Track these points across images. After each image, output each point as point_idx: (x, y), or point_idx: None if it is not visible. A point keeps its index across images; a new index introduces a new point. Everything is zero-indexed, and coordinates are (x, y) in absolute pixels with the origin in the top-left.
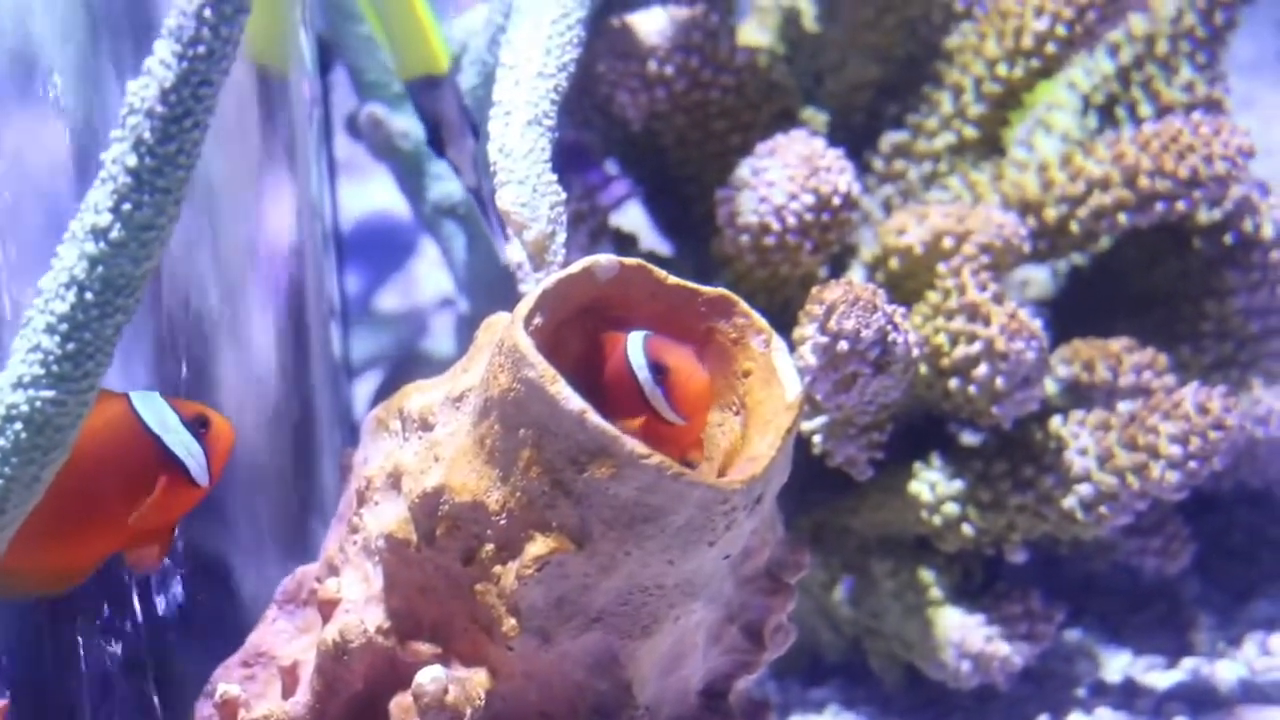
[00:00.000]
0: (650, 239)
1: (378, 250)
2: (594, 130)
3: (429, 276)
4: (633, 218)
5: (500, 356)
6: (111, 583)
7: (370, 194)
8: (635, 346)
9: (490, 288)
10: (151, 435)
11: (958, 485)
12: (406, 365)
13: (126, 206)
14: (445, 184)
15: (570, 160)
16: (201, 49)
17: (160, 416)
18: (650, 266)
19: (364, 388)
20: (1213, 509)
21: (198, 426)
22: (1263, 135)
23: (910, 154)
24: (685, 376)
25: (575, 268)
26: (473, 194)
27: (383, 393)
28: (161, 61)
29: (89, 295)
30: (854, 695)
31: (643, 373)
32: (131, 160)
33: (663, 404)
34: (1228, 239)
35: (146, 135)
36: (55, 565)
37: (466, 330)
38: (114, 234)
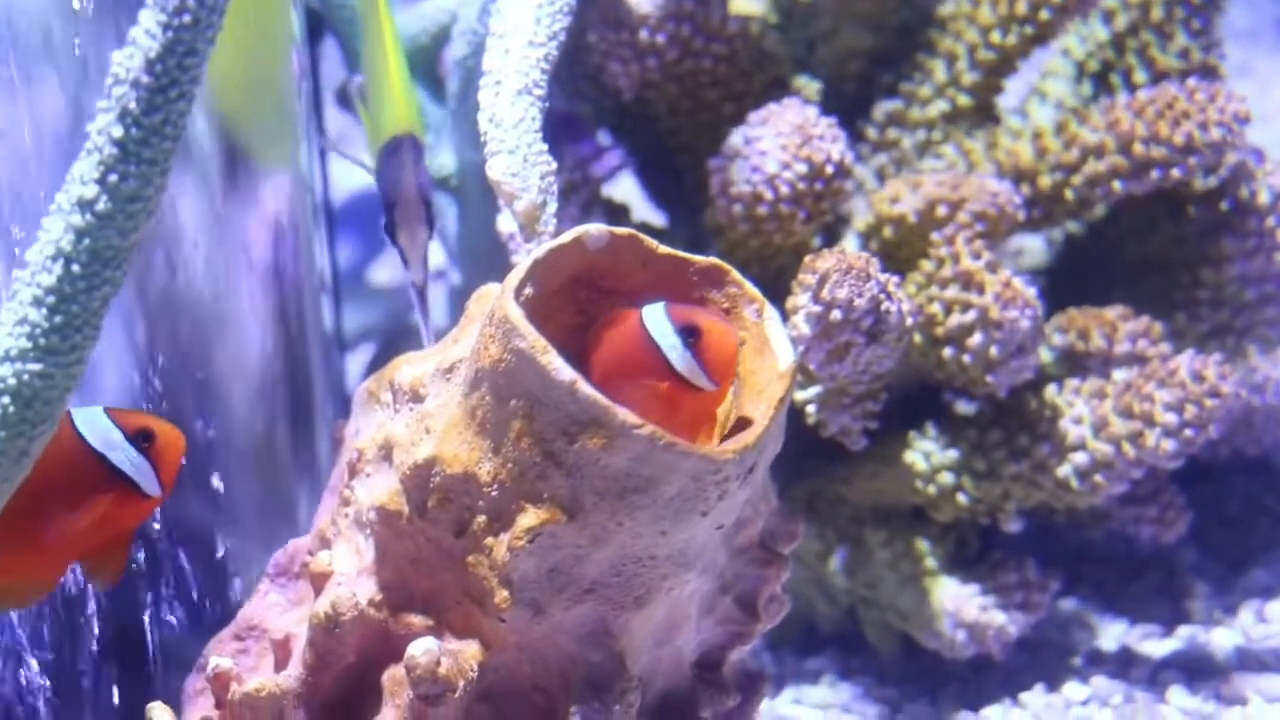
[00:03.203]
0: (643, 209)
1: (370, 224)
2: (585, 100)
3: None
4: (625, 188)
5: (491, 327)
6: None
7: (359, 172)
8: (656, 315)
9: (482, 259)
10: (96, 454)
11: (952, 454)
12: (399, 338)
13: (113, 178)
14: (436, 157)
15: (562, 131)
16: (187, 18)
17: (103, 434)
18: (641, 236)
19: (357, 360)
20: (1209, 477)
21: (142, 441)
22: (1260, 102)
23: (904, 122)
24: (719, 337)
25: (566, 238)
26: (416, 292)
27: (375, 365)
28: (146, 31)
29: (76, 268)
30: (849, 665)
31: (668, 339)
32: (117, 131)
33: (695, 368)
34: (1223, 206)
35: (132, 106)
36: (12, 583)
37: (458, 302)
38: (100, 206)
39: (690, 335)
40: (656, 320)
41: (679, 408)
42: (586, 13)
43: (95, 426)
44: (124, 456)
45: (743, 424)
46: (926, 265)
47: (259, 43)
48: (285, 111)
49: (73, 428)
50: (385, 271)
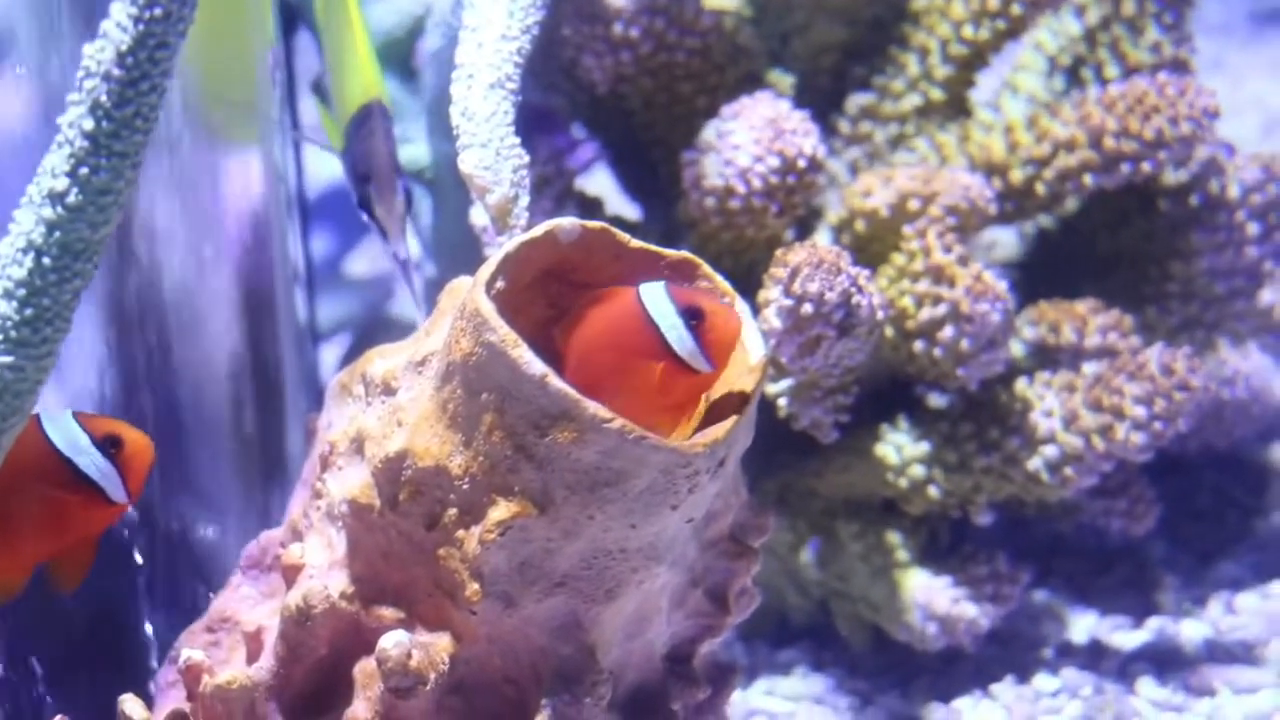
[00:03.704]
0: (617, 202)
1: (346, 215)
2: (560, 94)
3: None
4: (599, 181)
5: (462, 321)
6: None
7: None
8: (656, 295)
9: (456, 252)
10: (63, 457)
11: (924, 447)
12: (374, 329)
13: (84, 171)
14: (411, 148)
15: (537, 124)
16: (158, 11)
17: (70, 437)
18: (613, 229)
19: (332, 352)
20: (1179, 470)
21: (109, 446)
22: (1232, 96)
23: (877, 116)
24: (722, 320)
25: (537, 231)
26: (400, 264)
27: (350, 357)
28: (118, 24)
29: (46, 260)
30: (821, 657)
31: (669, 319)
32: (88, 124)
33: (695, 351)
34: (1193, 200)
35: (103, 99)
36: None
37: (433, 294)
38: (71, 198)
39: (693, 317)
40: (656, 299)
41: (670, 389)
42: (561, 6)
43: (63, 430)
44: (90, 462)
45: (713, 417)
46: (898, 259)
47: (230, 29)
48: (258, 99)
49: (40, 431)
50: (362, 263)
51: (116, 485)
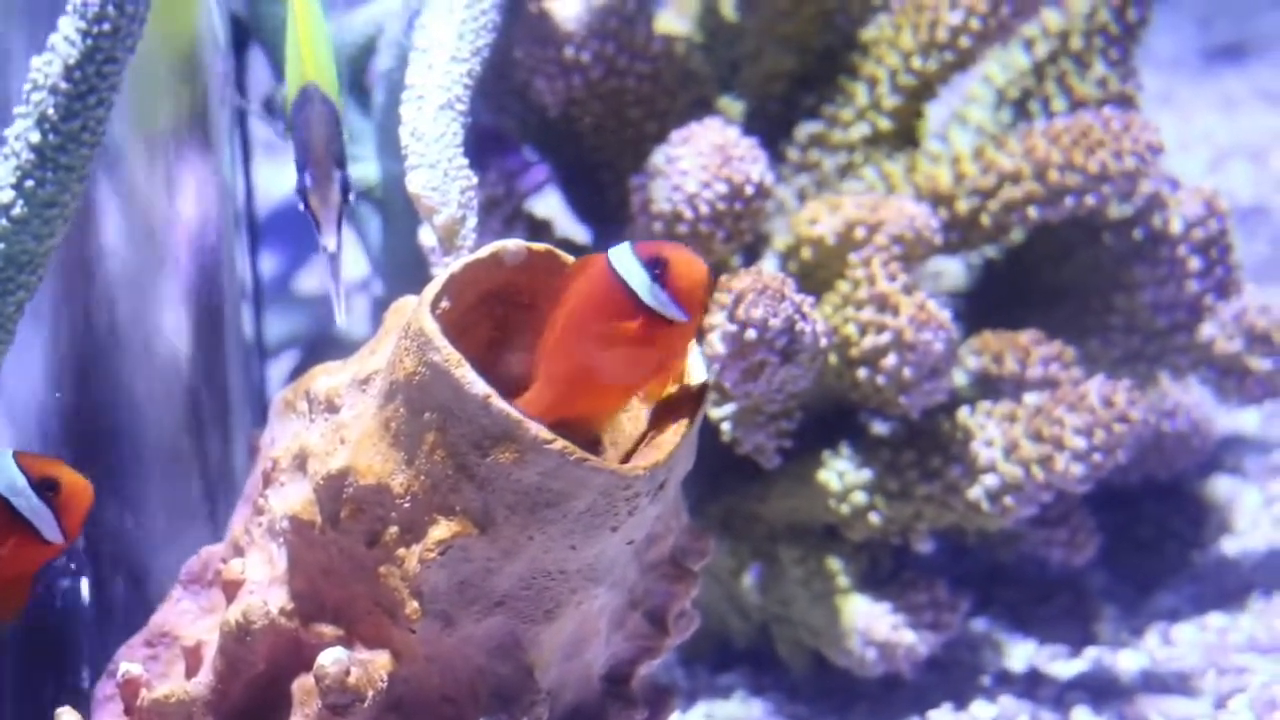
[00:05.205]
0: (566, 225)
1: (296, 232)
2: (511, 116)
3: (346, 259)
4: (549, 204)
5: (406, 340)
6: None
7: (290, 176)
8: (623, 254)
9: (405, 271)
10: None
11: (866, 474)
12: (322, 346)
13: (30, 183)
14: (361, 166)
15: (489, 145)
16: (107, 25)
17: (9, 478)
18: (558, 252)
19: (280, 368)
20: (1120, 502)
21: (46, 489)
22: (1181, 130)
23: (825, 144)
24: (686, 266)
25: (483, 252)
26: (328, 258)
27: (298, 374)
28: (66, 38)
29: None
30: (761, 682)
31: (637, 275)
32: (35, 137)
33: (665, 300)
34: (1137, 234)
35: (50, 112)
36: None
37: (382, 313)
38: (16, 211)
39: (656, 267)
40: (623, 259)
41: (651, 343)
42: (513, 29)
43: (1, 470)
44: (26, 503)
45: (654, 441)
46: (843, 286)
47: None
48: (208, 113)
49: None
50: (312, 280)
51: (51, 526)
